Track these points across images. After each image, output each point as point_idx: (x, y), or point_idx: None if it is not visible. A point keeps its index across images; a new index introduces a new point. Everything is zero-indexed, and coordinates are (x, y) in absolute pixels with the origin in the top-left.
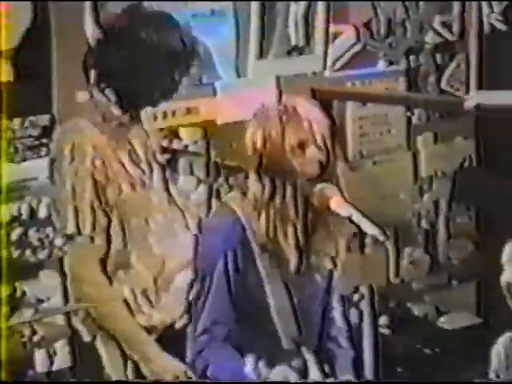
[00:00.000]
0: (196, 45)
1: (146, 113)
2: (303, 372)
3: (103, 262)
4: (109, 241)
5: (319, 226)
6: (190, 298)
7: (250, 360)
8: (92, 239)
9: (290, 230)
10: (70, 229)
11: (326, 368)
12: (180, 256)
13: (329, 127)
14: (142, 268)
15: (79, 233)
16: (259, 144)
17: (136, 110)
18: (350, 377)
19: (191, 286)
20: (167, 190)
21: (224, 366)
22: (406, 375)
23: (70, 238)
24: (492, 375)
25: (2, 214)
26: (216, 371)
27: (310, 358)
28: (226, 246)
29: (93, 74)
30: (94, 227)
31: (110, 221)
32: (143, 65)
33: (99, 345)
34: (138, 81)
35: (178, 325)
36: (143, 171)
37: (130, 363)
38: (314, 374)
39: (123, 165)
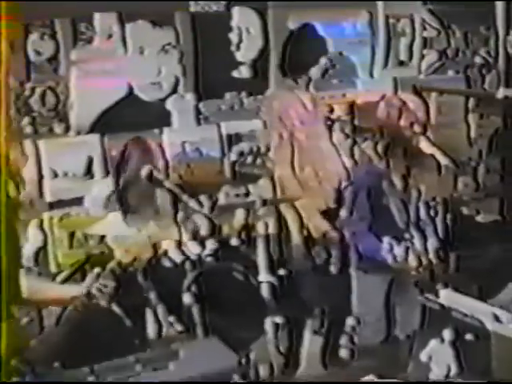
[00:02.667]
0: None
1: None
2: (411, 242)
3: (292, 164)
4: (292, 152)
5: (415, 162)
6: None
7: (385, 241)
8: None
9: (400, 165)
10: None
11: (423, 240)
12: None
13: (424, 113)
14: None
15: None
16: (385, 118)
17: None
18: (435, 243)
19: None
20: (330, 139)
21: (369, 247)
22: (460, 245)
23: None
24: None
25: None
26: (364, 249)
27: (415, 233)
28: (368, 176)
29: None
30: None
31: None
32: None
33: (284, 211)
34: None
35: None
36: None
37: (305, 225)
38: (417, 242)
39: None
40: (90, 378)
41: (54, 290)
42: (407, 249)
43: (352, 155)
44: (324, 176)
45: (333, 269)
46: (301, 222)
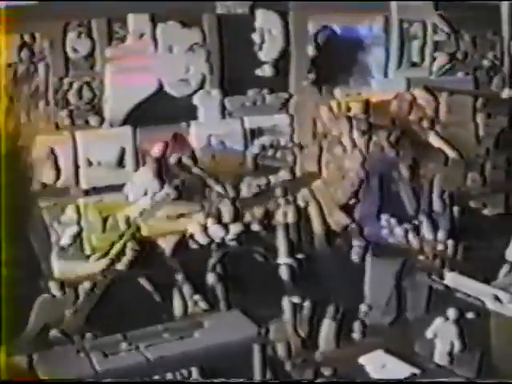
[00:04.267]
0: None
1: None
2: (419, 229)
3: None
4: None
5: (424, 155)
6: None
7: (396, 227)
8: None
9: (408, 155)
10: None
11: (433, 229)
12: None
13: (434, 110)
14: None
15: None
16: (396, 111)
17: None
18: (445, 233)
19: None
20: (351, 137)
21: (378, 231)
22: (467, 236)
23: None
24: None
25: None
26: (374, 234)
27: (424, 219)
28: (380, 165)
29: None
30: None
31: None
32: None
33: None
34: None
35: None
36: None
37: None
38: (427, 230)
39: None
40: (123, 344)
41: (84, 268)
42: (415, 235)
43: (367, 150)
44: (345, 172)
45: (353, 256)
46: (322, 214)
